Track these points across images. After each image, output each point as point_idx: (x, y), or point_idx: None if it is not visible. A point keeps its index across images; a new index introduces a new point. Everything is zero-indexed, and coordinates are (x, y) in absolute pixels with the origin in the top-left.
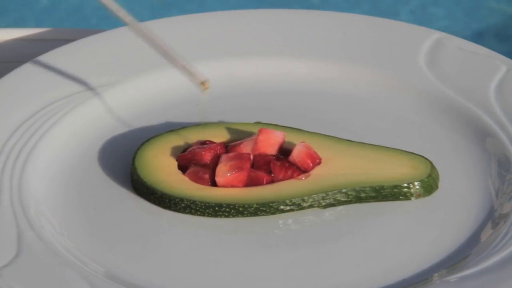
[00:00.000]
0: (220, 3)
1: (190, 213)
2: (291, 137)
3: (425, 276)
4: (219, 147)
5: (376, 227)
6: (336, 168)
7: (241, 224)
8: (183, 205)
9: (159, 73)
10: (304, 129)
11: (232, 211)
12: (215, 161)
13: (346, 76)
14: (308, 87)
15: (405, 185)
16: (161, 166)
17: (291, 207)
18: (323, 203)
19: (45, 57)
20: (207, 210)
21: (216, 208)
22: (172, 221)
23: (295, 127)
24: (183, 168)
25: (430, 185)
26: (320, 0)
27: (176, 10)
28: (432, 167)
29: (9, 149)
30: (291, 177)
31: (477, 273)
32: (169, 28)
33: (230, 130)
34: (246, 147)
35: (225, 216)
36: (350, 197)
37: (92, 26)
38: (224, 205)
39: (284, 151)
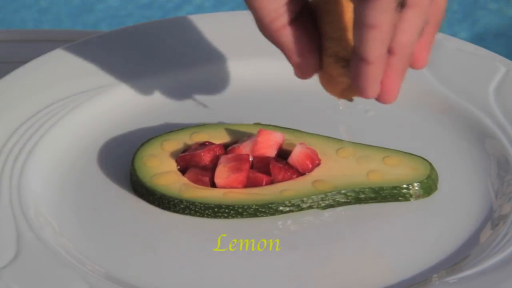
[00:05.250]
0: (219, 3)
1: (190, 214)
2: (290, 138)
3: (424, 277)
4: (218, 148)
5: (375, 228)
6: (336, 169)
7: (241, 225)
8: (182, 206)
9: (159, 74)
10: (304, 130)
11: (232, 212)
12: (215, 162)
13: None
14: (308, 87)
15: (405, 186)
16: (160, 167)
17: (291, 208)
18: (323, 204)
19: (45, 58)
20: (207, 211)
21: (216, 209)
22: (172, 222)
23: (295, 128)
24: (182, 169)
25: (429, 186)
26: None
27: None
28: (432, 168)
29: (9, 149)
30: (290, 178)
31: (477, 274)
32: (170, 29)
33: (229, 131)
34: (245, 148)
35: (225, 217)
36: (349, 198)
37: (91, 27)
38: (223, 206)
39: (284, 152)
